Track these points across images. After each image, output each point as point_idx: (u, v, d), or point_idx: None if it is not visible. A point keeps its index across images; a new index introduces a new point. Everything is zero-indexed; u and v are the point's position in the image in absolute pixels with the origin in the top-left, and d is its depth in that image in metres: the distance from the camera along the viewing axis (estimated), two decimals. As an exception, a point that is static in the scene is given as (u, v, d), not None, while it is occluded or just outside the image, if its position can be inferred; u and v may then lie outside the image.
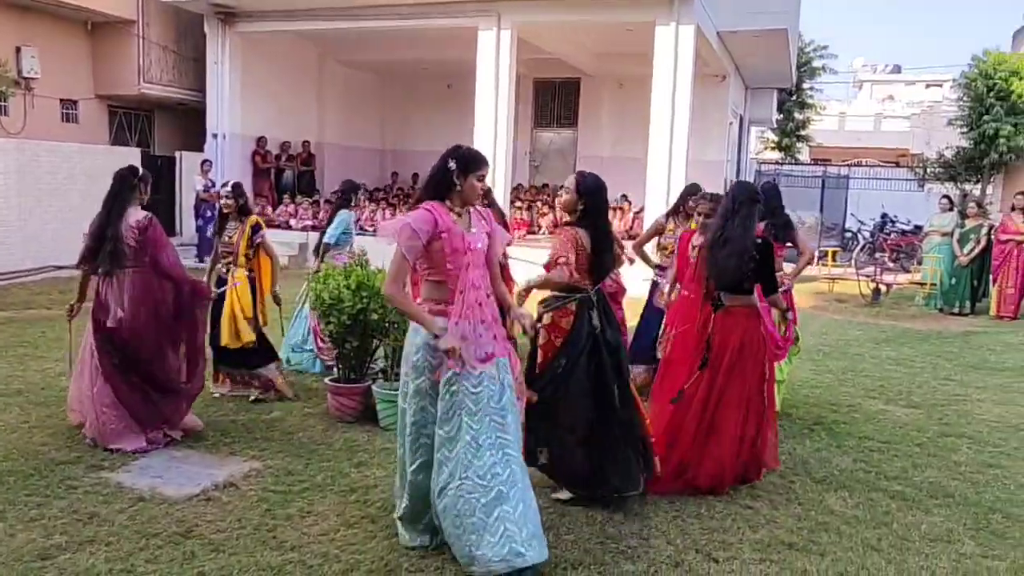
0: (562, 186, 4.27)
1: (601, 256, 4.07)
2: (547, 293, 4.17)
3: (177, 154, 15.50)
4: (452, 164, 3.41)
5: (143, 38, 14.93)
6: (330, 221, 6.77)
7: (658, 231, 6.37)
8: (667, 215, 6.42)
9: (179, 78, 15.81)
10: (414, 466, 3.47)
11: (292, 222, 14.87)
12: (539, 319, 4.04)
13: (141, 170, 5.03)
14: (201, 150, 15.02)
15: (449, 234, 3.32)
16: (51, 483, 4.12)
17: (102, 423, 4.64)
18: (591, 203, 4.06)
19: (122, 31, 14.79)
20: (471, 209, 3.51)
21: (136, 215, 4.80)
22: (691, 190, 6.08)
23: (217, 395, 5.77)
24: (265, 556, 3.43)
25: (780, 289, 4.60)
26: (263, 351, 5.77)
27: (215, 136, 14.96)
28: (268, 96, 15.81)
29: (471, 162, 3.44)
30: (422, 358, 3.40)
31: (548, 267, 4.06)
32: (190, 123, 16.18)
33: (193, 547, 3.49)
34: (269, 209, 15.28)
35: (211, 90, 14.97)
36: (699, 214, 5.06)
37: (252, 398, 5.71)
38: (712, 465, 4.30)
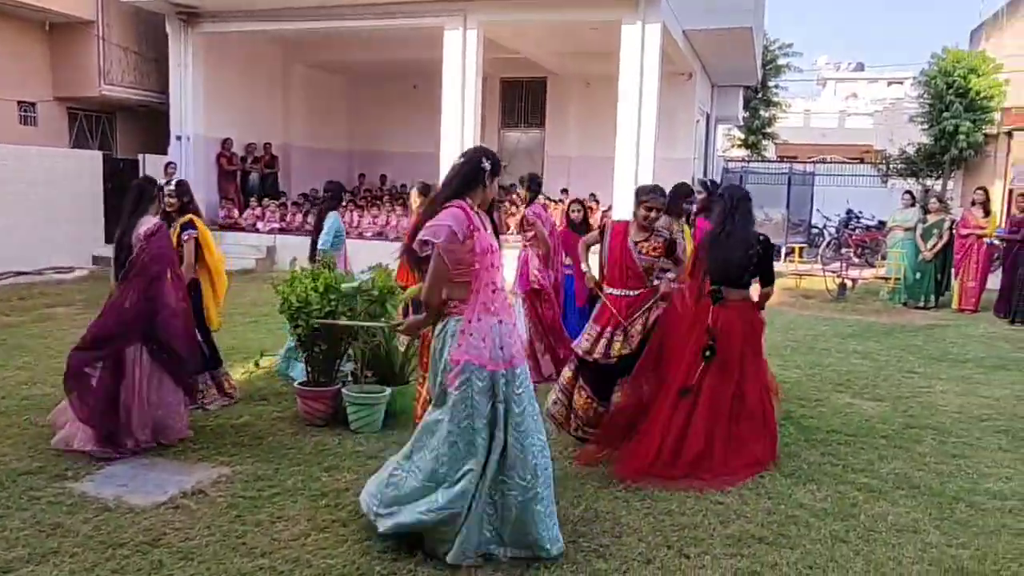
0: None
1: None
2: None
3: (140, 157, 15.23)
4: (487, 164, 3.48)
5: (103, 39, 14.64)
6: (319, 226, 6.58)
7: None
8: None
9: (141, 79, 15.54)
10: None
11: (260, 225, 14.69)
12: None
13: (158, 181, 5.18)
14: (165, 152, 14.79)
15: (480, 233, 3.38)
16: (12, 494, 4.02)
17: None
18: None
19: (82, 32, 14.49)
20: (481, 213, 3.55)
21: (147, 223, 4.83)
22: (682, 190, 5.81)
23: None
24: (235, 563, 3.38)
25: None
26: (207, 357, 5.60)
27: (179, 138, 14.74)
28: (233, 98, 15.61)
29: (498, 165, 3.57)
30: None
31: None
32: (153, 125, 15.91)
33: (161, 556, 3.43)
34: (236, 212, 15.10)
35: (174, 91, 14.74)
36: (648, 209, 4.77)
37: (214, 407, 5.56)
38: (748, 456, 4.50)
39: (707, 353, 4.55)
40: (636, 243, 4.81)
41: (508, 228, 14.99)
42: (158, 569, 3.32)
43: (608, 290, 4.88)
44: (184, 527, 3.71)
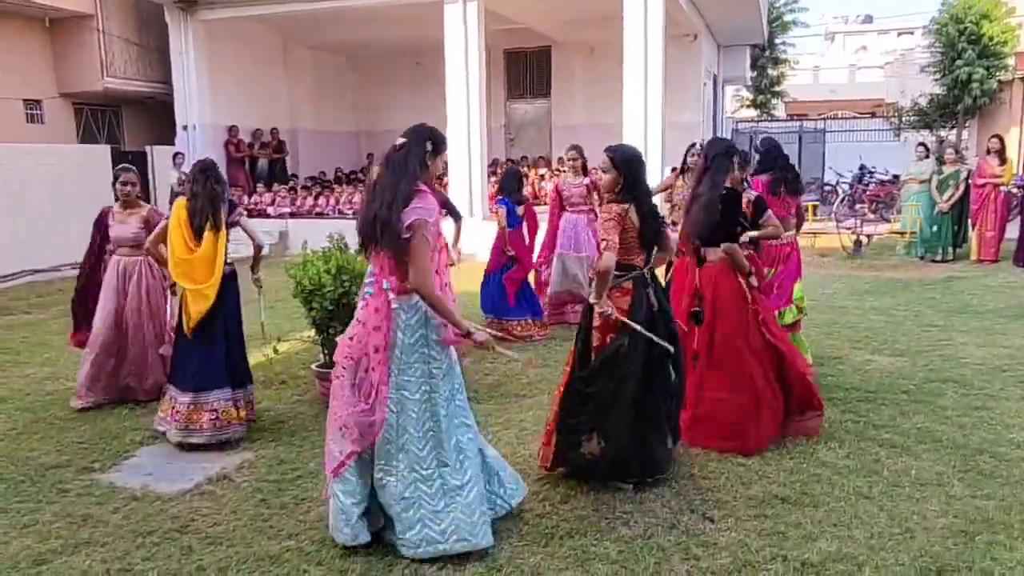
0: (593, 167, 4.28)
1: (650, 229, 3.89)
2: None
3: (148, 149, 15.27)
4: (429, 146, 3.31)
5: (103, 32, 14.63)
6: None
7: (666, 188, 6.99)
8: (676, 173, 7.01)
9: (143, 71, 15.53)
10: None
11: (270, 210, 14.72)
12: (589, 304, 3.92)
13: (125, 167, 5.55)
14: (173, 143, 14.80)
15: (437, 221, 3.29)
16: (42, 488, 4.09)
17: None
18: (629, 175, 3.87)
19: (81, 26, 14.47)
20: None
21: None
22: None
23: None
24: (263, 546, 3.43)
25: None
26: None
27: (185, 128, 14.75)
28: (236, 84, 15.57)
29: (442, 142, 3.41)
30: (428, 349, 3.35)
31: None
32: (159, 116, 15.93)
33: (190, 542, 3.48)
34: (246, 198, 15.12)
35: (177, 81, 14.72)
36: (690, 168, 5.11)
37: None
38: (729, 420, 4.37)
39: (695, 317, 4.46)
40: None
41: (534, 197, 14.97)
42: (188, 554, 3.37)
43: None
44: (211, 513, 3.77)
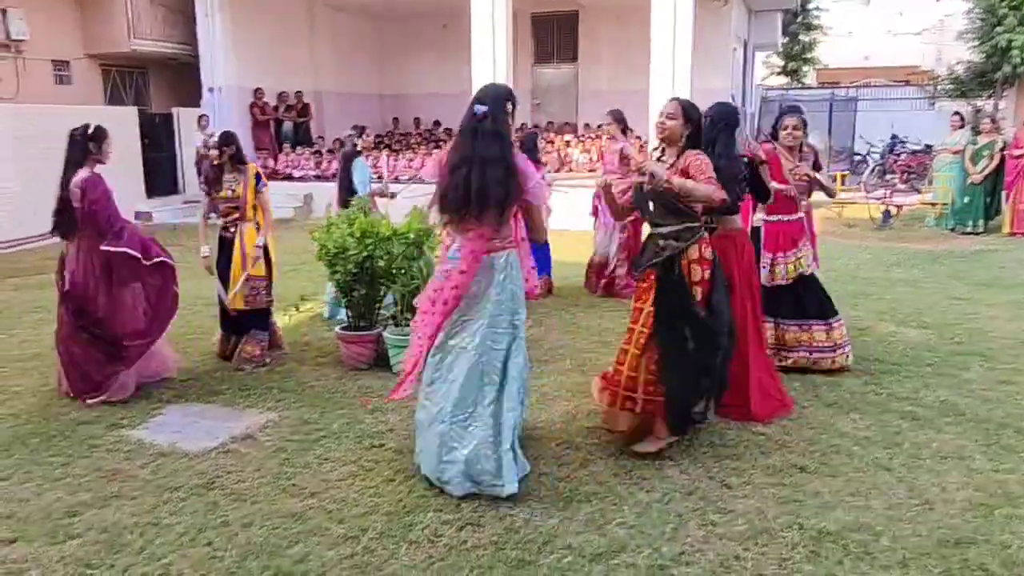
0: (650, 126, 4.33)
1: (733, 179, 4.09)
2: (668, 228, 3.83)
3: (174, 111, 15.35)
4: (509, 107, 3.53)
5: (130, -8, 14.64)
6: (346, 173, 6.65)
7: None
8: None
9: (170, 32, 15.53)
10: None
11: (295, 173, 14.78)
12: (675, 257, 3.78)
13: (93, 127, 4.86)
14: (198, 105, 14.86)
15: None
16: (73, 443, 4.20)
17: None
18: (697, 129, 3.88)
19: (108, -14, 14.49)
20: None
21: (80, 175, 4.76)
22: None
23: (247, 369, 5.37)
24: (286, 503, 3.50)
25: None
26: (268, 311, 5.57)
27: (211, 90, 14.78)
28: (261, 46, 15.53)
29: (514, 98, 3.61)
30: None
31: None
32: (185, 78, 15.95)
33: (216, 498, 3.57)
34: (271, 161, 15.18)
35: (203, 43, 14.73)
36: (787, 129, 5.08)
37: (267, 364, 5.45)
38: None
39: None
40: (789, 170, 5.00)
41: (546, 166, 14.89)
42: (213, 510, 3.46)
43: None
44: (236, 470, 3.85)
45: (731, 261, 4.35)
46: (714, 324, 3.78)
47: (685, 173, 3.75)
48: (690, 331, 3.73)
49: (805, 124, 5.13)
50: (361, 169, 6.61)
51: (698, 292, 3.77)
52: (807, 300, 5.13)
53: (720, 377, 3.94)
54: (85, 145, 4.81)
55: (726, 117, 4.36)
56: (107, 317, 4.82)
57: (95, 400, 4.73)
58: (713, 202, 3.74)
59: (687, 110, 3.84)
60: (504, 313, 3.54)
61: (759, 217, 5.16)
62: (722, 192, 3.72)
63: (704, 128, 4.05)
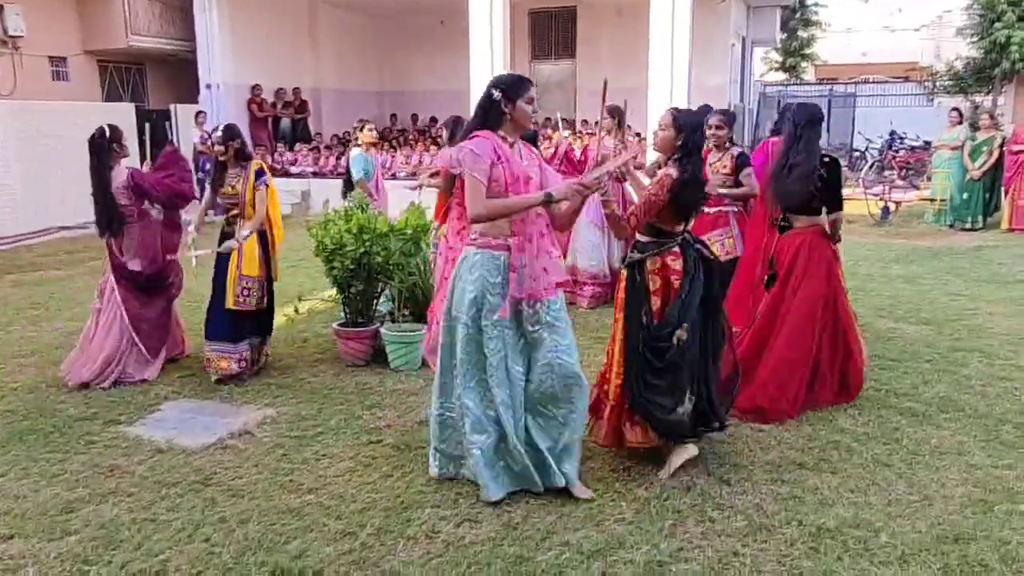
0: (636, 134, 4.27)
1: (696, 195, 3.79)
2: (644, 238, 3.83)
3: (172, 107, 15.30)
4: (497, 93, 3.34)
5: (127, -12, 14.59)
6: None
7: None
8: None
9: (168, 28, 15.49)
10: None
11: (293, 170, 14.75)
12: (637, 267, 3.75)
13: (109, 129, 5.09)
14: (196, 102, 14.82)
15: (509, 162, 3.31)
16: (70, 439, 4.19)
17: (124, 364, 5.11)
18: (691, 141, 3.77)
19: (105, -18, 14.44)
20: (519, 143, 3.46)
21: (120, 176, 5.06)
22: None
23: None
24: (284, 499, 3.50)
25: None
26: (269, 316, 5.39)
27: (208, 87, 14.74)
28: (259, 43, 15.50)
29: (514, 86, 3.38)
30: (482, 295, 3.34)
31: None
32: (183, 75, 15.92)
33: (213, 494, 3.56)
34: (268, 158, 15.14)
35: (201, 39, 14.68)
36: (710, 128, 5.04)
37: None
38: (759, 389, 4.33)
39: (769, 282, 4.55)
40: (710, 164, 5.03)
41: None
42: (211, 506, 3.45)
43: None
44: (233, 466, 3.84)
45: (814, 256, 4.46)
46: (659, 334, 3.63)
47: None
48: (642, 339, 3.67)
49: (730, 124, 5.41)
50: (354, 161, 6.80)
51: (655, 302, 3.72)
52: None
53: (701, 389, 3.72)
54: (109, 147, 5.04)
55: (809, 116, 4.44)
56: (174, 281, 5.37)
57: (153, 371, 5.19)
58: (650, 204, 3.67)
59: (678, 120, 3.81)
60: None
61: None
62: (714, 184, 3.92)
63: (787, 130, 4.34)
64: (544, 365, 3.38)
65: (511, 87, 3.37)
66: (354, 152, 7.06)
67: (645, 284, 3.73)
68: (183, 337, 5.61)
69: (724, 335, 3.86)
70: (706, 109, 4.76)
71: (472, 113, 3.50)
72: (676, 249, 3.75)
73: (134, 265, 5.15)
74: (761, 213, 4.91)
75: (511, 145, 3.39)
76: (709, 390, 3.72)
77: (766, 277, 4.62)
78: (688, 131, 3.74)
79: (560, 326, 3.40)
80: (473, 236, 3.42)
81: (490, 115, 3.37)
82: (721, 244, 5.35)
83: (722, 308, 3.89)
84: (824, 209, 4.50)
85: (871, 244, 10.10)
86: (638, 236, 3.84)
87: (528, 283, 3.34)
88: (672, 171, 3.65)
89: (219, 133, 5.28)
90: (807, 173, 4.33)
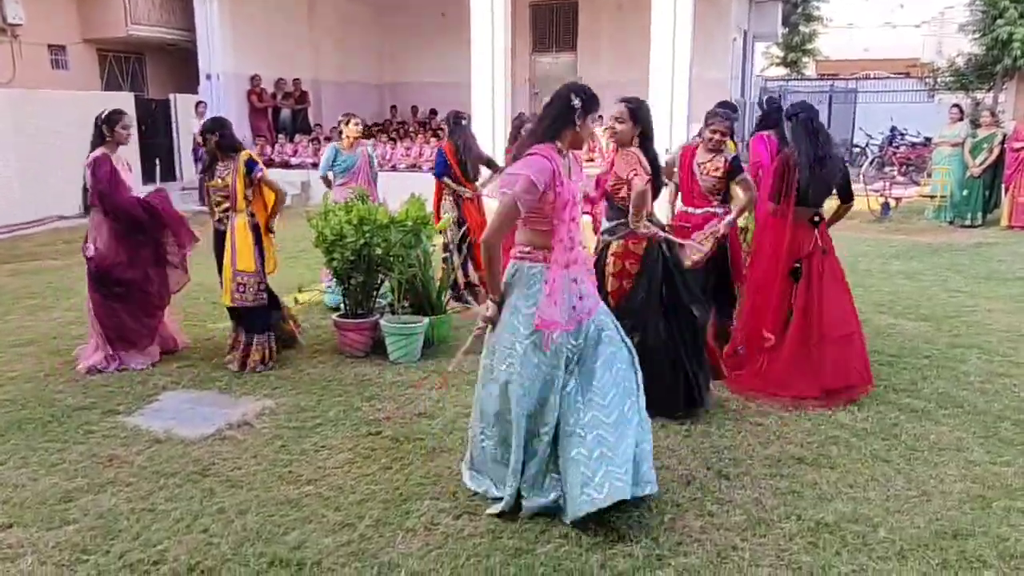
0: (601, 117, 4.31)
1: (658, 178, 4.12)
2: (610, 223, 4.23)
3: (171, 97, 15.26)
4: (577, 101, 3.13)
5: (127, -24, 14.54)
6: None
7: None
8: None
9: (167, 18, 15.44)
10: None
11: (292, 160, 14.72)
12: (604, 248, 4.10)
13: (106, 112, 5.17)
14: (196, 92, 14.77)
15: (564, 187, 3.10)
16: (69, 429, 4.18)
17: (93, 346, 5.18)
18: (646, 128, 4.02)
19: (105, -30, 14.39)
20: (571, 155, 3.27)
21: (91, 156, 5.12)
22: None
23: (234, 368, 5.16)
24: (282, 490, 3.49)
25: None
26: (271, 306, 5.31)
27: (208, 77, 14.70)
28: (260, 33, 15.46)
29: (592, 100, 3.18)
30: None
31: (621, 188, 4.08)
32: (183, 65, 15.88)
33: (211, 484, 3.55)
34: (268, 148, 15.12)
35: (200, 29, 14.64)
36: (713, 131, 4.85)
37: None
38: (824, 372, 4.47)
39: (795, 274, 4.64)
40: (700, 164, 4.92)
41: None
42: (209, 497, 3.44)
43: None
44: (232, 457, 3.83)
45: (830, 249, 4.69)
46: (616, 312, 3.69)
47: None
48: None
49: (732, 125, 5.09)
50: (324, 154, 7.03)
51: (610, 282, 4.09)
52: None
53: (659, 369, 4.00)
54: (100, 129, 5.13)
55: (812, 110, 4.63)
56: (133, 278, 5.18)
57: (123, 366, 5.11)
58: (639, 189, 3.95)
59: (634, 111, 3.92)
60: None
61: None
62: (637, 178, 3.95)
63: (794, 124, 4.51)
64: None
65: (589, 100, 3.16)
66: (329, 145, 7.28)
67: (603, 265, 4.09)
68: (173, 336, 5.53)
69: (700, 318, 4.18)
70: (723, 105, 4.88)
71: (540, 119, 3.27)
72: (635, 234, 4.08)
73: (87, 250, 5.17)
74: (764, 210, 4.86)
75: (564, 157, 3.20)
76: (687, 372, 4.08)
77: (791, 269, 4.67)
78: (644, 120, 4.02)
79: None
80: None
81: (560, 123, 3.16)
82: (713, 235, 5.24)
83: (700, 297, 4.21)
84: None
85: (871, 240, 10.10)
86: (603, 220, 4.20)
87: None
88: (640, 178, 3.95)
89: (207, 124, 5.37)
90: (838, 164, 4.54)
